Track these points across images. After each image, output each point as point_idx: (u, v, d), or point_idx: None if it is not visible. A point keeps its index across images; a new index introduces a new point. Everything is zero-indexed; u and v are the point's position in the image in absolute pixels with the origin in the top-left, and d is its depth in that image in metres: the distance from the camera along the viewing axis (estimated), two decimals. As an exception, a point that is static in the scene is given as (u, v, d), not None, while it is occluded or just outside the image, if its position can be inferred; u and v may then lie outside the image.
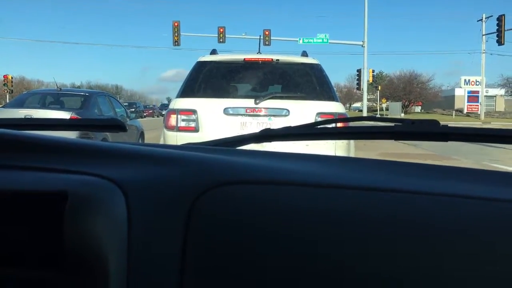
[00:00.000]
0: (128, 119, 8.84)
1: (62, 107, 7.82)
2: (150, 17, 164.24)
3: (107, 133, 6.79)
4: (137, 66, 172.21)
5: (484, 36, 37.74)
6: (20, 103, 7.83)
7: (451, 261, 0.51)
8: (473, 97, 45.40)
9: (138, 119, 10.68)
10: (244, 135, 0.95)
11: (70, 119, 1.05)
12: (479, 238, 0.52)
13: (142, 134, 9.50)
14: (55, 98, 8.28)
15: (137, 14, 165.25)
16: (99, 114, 7.79)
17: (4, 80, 29.59)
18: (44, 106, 7.95)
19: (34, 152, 0.58)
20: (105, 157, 0.60)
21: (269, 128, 0.95)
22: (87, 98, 7.90)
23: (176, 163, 0.60)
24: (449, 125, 0.84)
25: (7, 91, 29.40)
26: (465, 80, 47.56)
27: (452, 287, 0.50)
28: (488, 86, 47.15)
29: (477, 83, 44.62)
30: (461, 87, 48.47)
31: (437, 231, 0.52)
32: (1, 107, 8.90)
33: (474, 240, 0.52)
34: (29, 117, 6.52)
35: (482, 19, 38.06)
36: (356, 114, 46.12)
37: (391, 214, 0.54)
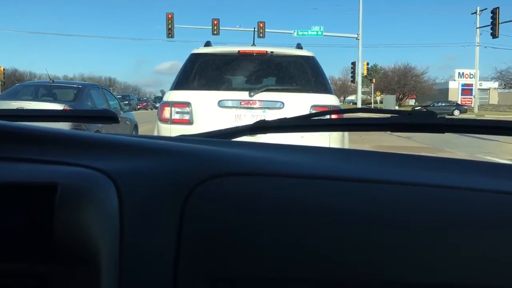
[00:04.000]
0: (121, 112, 8.82)
1: (55, 99, 7.77)
2: (144, 9, 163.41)
3: (100, 125, 6.76)
4: (131, 59, 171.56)
5: (478, 29, 37.90)
6: (12, 95, 7.78)
7: (447, 252, 0.51)
8: (467, 90, 45.74)
9: (132, 112, 10.64)
10: (239, 126, 0.94)
11: (62, 111, 1.04)
12: (473, 228, 0.52)
13: (135, 127, 9.48)
14: (47, 90, 8.23)
15: (130, 6, 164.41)
16: (92, 106, 7.75)
17: (-4, 72, 29.37)
18: (36, 98, 7.89)
19: (23, 143, 0.57)
20: (96, 148, 0.59)
21: (263, 120, 0.94)
22: (80, 90, 7.86)
23: (169, 154, 0.59)
24: (446, 117, 0.84)
25: (-1, 83, 29.19)
26: (459, 73, 47.87)
27: (450, 278, 0.50)
28: (482, 79, 47.39)
29: (471, 76, 44.94)
30: (455, 80, 48.80)
31: (432, 223, 0.52)
32: None
33: (469, 230, 0.52)
34: (21, 109, 6.47)
35: (476, 12, 38.19)
36: (351, 107, 46.27)
37: (384, 205, 0.54)
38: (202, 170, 0.56)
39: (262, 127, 0.92)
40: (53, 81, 8.49)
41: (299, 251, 0.51)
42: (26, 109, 0.98)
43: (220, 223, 0.53)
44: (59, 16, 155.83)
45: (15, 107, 6.60)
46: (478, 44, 38.78)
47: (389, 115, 0.87)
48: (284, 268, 0.51)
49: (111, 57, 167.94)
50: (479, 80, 44.23)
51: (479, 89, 44.07)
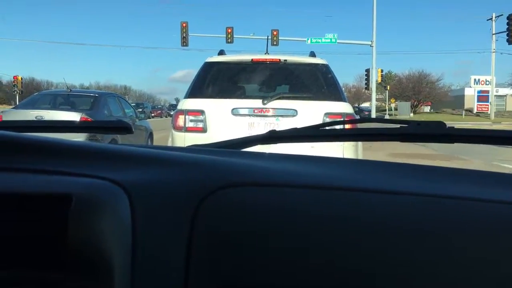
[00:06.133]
0: (137, 120, 8.90)
1: (72, 108, 7.90)
2: (159, 18, 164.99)
3: (117, 135, 6.83)
4: (146, 67, 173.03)
5: (494, 35, 37.49)
6: (31, 104, 7.91)
7: (453, 264, 0.51)
8: (483, 96, 45.14)
9: (147, 120, 10.71)
10: (250, 136, 0.95)
11: (76, 121, 1.06)
12: (481, 240, 0.52)
13: (151, 135, 9.54)
14: (65, 99, 8.37)
15: (146, 15, 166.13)
16: (109, 114, 7.85)
17: (14, 81, 29.79)
18: (54, 107, 8.01)
19: (38, 154, 0.59)
20: (109, 159, 0.60)
21: (275, 130, 0.95)
22: (96, 99, 7.98)
23: (180, 165, 0.60)
24: (455, 127, 0.84)
25: (17, 92, 29.59)
26: (475, 79, 47.27)
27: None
28: (498, 85, 46.74)
29: (487, 82, 44.36)
30: (471, 87, 48.21)
31: (440, 233, 0.52)
32: (13, 108, 9.01)
33: (476, 242, 0.52)
34: (40, 118, 6.60)
35: (492, 18, 37.80)
36: (364, 115, 45.98)
37: (394, 216, 0.54)
38: (212, 180, 0.57)
39: (273, 137, 0.93)
40: (70, 90, 8.63)
41: (308, 260, 0.52)
42: (41, 120, 1.00)
43: (230, 232, 0.53)
44: (75, 25, 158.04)
45: (34, 116, 6.72)
46: (494, 51, 38.36)
47: (398, 125, 0.88)
48: (293, 277, 0.51)
49: (127, 66, 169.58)
50: (496, 87, 43.64)
51: (495, 95, 43.50)
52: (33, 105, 7.82)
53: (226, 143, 0.93)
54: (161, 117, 42.60)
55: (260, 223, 0.54)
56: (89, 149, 0.62)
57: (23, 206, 0.53)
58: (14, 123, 0.99)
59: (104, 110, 7.82)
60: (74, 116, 6.93)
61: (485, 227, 0.53)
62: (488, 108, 43.32)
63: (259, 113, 3.98)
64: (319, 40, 31.06)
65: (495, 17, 37.43)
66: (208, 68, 4.37)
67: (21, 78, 31.31)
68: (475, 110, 45.65)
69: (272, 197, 0.56)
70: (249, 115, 3.99)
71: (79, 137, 4.95)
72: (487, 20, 38.76)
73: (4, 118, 7.09)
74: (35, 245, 0.52)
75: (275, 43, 29.31)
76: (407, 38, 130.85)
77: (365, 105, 61.93)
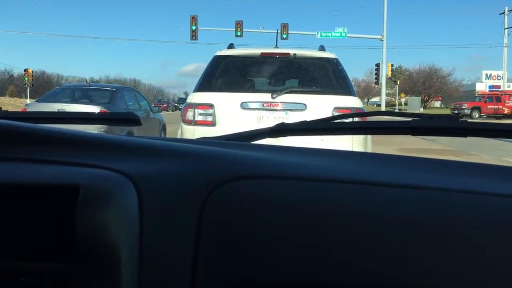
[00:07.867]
0: (151, 113, 9.09)
1: (91, 102, 8.23)
2: (168, 12, 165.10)
3: (134, 127, 6.96)
4: (156, 61, 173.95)
5: (506, 30, 37.09)
6: (52, 97, 8.27)
7: (458, 259, 0.50)
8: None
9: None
10: (259, 129, 0.95)
11: (88, 113, 1.07)
12: (490, 234, 0.51)
13: (164, 127, 9.67)
14: (84, 93, 8.73)
15: (155, 9, 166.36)
16: (125, 108, 8.17)
17: (24, 74, 29.94)
18: (74, 100, 8.36)
19: (47, 145, 0.59)
20: (118, 151, 0.60)
21: (283, 123, 0.94)
22: (114, 93, 8.35)
23: (188, 157, 0.60)
24: (468, 120, 0.83)
25: (27, 85, 29.76)
26: (486, 74, 46.93)
27: (463, 284, 0.49)
28: (510, 80, 46.35)
29: (499, 77, 44.01)
30: (482, 82, 47.86)
31: (447, 227, 0.52)
32: (36, 101, 9.32)
33: (484, 236, 0.51)
34: (62, 110, 6.79)
35: (504, 12, 37.38)
36: (374, 108, 45.81)
37: (403, 210, 0.54)
38: (221, 172, 0.57)
39: (282, 130, 0.93)
40: (89, 84, 8.92)
41: (319, 254, 0.51)
42: (51, 112, 1.02)
43: (238, 226, 0.53)
44: (85, 19, 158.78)
45: (56, 109, 7.06)
46: (506, 45, 37.97)
47: (410, 119, 0.87)
48: (303, 273, 0.51)
49: (136, 60, 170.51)
50: (507, 82, 43.29)
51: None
52: (54, 98, 8.17)
53: (235, 135, 0.93)
54: (167, 111, 42.50)
55: (268, 216, 0.54)
56: (97, 140, 0.62)
57: (31, 196, 0.53)
58: (23, 114, 0.99)
59: (121, 104, 8.13)
60: (93, 109, 7.25)
61: (492, 222, 0.53)
62: (499, 103, 42.94)
63: (268, 107, 3.97)
64: (329, 34, 30.92)
65: (508, 11, 37.02)
66: (218, 62, 4.37)
67: (32, 71, 31.43)
68: (486, 105, 45.29)
69: (281, 190, 0.56)
70: (258, 109, 3.98)
71: (91, 129, 5.04)
72: (500, 14, 38.40)
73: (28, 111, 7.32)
74: (43, 235, 0.52)
75: (284, 37, 29.20)
76: (418, 32, 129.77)
77: (375, 99, 61.65)
